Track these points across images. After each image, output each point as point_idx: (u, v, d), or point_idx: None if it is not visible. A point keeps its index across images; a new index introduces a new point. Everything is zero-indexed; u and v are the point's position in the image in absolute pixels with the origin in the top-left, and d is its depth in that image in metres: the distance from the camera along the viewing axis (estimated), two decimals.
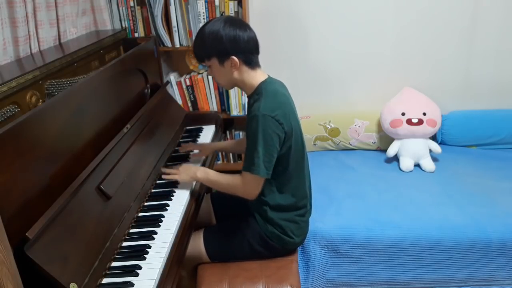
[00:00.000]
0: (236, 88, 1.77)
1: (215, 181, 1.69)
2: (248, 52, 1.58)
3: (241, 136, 2.77)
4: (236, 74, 1.60)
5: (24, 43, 1.74)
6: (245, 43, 1.55)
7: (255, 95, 1.61)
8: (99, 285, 1.24)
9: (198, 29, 2.55)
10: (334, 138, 2.74)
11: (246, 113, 1.73)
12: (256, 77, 1.62)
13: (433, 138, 2.67)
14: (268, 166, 1.55)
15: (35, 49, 1.81)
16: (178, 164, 1.82)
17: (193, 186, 1.78)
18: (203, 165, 1.96)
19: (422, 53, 2.70)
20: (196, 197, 1.74)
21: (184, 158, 1.98)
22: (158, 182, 1.78)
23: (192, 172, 1.72)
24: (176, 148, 2.06)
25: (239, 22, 1.58)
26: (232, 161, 2.85)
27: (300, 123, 1.69)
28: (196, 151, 2.03)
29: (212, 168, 2.01)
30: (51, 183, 1.28)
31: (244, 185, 1.60)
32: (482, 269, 2.01)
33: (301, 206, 1.73)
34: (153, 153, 1.83)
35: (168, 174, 1.75)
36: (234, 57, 1.55)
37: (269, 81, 1.63)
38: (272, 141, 1.52)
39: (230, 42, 1.53)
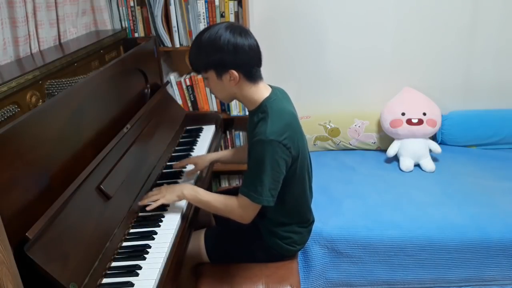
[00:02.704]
0: None
1: (206, 201, 1.57)
2: (249, 65, 1.45)
3: (241, 137, 2.76)
4: (235, 89, 1.48)
5: (24, 43, 1.73)
6: (247, 55, 1.43)
7: (259, 113, 1.50)
8: (99, 285, 1.24)
9: (198, 29, 2.55)
10: (334, 138, 2.74)
11: (247, 120, 1.63)
12: (258, 92, 1.50)
13: (433, 138, 2.67)
14: (274, 193, 1.47)
15: (35, 49, 1.81)
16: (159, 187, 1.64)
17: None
18: (199, 177, 1.85)
19: (422, 53, 2.71)
20: None
21: (177, 176, 1.82)
22: (158, 182, 1.78)
23: (178, 190, 1.57)
24: (169, 163, 1.91)
25: (240, 29, 1.44)
26: None
27: (306, 141, 1.60)
28: (190, 166, 1.86)
29: (209, 172, 1.98)
30: (51, 183, 1.27)
31: (240, 209, 1.51)
32: (482, 269, 2.01)
33: (305, 220, 1.72)
34: (153, 153, 1.83)
35: (151, 201, 1.56)
36: (233, 71, 1.43)
37: (273, 98, 1.51)
38: (278, 167, 1.43)
39: (230, 53, 1.40)
